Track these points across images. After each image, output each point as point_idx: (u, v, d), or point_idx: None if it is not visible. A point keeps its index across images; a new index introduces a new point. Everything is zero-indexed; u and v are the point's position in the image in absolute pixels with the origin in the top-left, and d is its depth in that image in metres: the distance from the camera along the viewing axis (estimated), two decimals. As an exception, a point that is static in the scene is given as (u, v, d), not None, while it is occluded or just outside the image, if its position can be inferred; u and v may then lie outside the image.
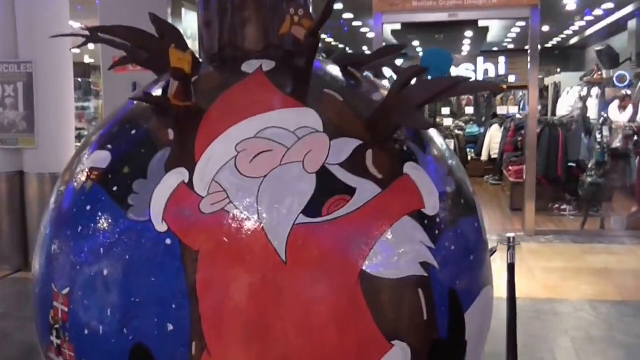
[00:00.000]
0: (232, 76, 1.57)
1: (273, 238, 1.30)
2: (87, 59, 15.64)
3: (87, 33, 1.69)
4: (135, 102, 1.61)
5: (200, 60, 1.70)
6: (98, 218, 1.41)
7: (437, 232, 1.45)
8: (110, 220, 1.39)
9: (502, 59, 14.85)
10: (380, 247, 1.35)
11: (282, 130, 1.41)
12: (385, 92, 1.64)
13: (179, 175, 1.37)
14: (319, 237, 1.32)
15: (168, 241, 1.32)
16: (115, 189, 1.42)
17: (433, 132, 1.70)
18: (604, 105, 9.78)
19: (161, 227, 1.33)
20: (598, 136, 7.81)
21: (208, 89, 1.54)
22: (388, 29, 9.71)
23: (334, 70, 1.70)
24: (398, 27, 10.02)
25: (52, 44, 3.90)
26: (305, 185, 1.35)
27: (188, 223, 1.32)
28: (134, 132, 1.51)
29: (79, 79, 12.31)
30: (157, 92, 1.61)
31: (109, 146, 1.52)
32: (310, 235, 1.31)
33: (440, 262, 1.43)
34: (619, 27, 12.49)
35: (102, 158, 1.50)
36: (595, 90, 10.61)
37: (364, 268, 1.33)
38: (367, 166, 1.42)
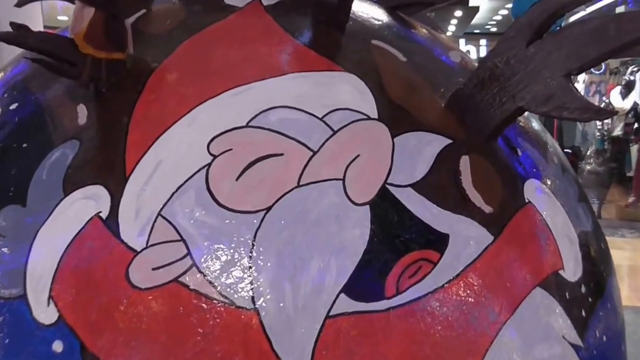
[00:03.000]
0: (208, 12, 0.84)
1: (284, 350, 0.61)
2: None
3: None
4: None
5: None
6: None
7: (583, 313, 0.77)
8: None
9: (483, 42, 14.61)
10: (494, 358, 0.66)
11: (300, 114, 0.71)
12: (462, 56, 0.94)
13: (90, 202, 0.66)
14: (382, 344, 0.63)
15: (57, 346, 0.62)
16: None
17: (534, 124, 1.00)
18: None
19: (45, 313, 0.63)
20: (599, 123, 7.53)
21: (161, 33, 0.82)
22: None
23: (378, 12, 0.97)
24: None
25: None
26: (352, 231, 0.65)
27: (102, 309, 0.62)
28: (14, 105, 0.79)
29: None
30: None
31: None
32: (361, 340, 0.62)
33: (594, 373, 0.75)
34: (603, 14, 11.88)
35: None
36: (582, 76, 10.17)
37: (466, 407, 0.64)
38: (464, 189, 0.73)
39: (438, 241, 0.68)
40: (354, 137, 0.71)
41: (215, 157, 0.67)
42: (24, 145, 0.73)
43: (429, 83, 0.82)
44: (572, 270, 0.77)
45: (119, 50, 0.74)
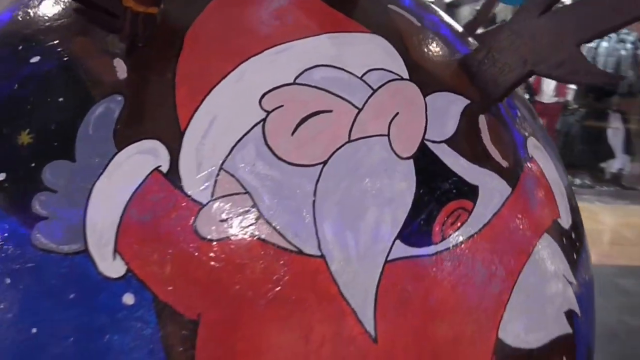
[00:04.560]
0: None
1: (350, 293, 0.65)
2: None
3: None
4: None
5: None
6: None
7: (574, 256, 0.88)
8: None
9: None
10: (519, 294, 0.75)
11: (341, 73, 0.74)
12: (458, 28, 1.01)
13: (147, 156, 0.66)
14: (432, 285, 0.69)
15: (128, 298, 0.62)
16: (1, 177, 0.68)
17: None
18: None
19: (112, 266, 0.63)
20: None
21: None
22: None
23: None
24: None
25: None
26: (400, 183, 0.70)
27: (173, 261, 0.63)
28: (35, 59, 0.75)
29: None
30: None
31: (-17, 85, 0.75)
32: (417, 281, 0.68)
33: (581, 307, 0.86)
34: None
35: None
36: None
37: (500, 336, 0.72)
38: (485, 145, 0.80)
39: (470, 192, 0.74)
40: (392, 96, 0.75)
41: (268, 112, 0.69)
42: (60, 99, 0.70)
43: (442, 48, 0.88)
44: (565, 218, 0.87)
45: (155, 5, 0.73)
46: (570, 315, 0.82)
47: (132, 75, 0.71)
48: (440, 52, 0.86)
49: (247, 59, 0.72)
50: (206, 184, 0.65)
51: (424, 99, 0.77)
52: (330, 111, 0.71)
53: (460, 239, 0.71)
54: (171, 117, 0.68)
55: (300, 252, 0.64)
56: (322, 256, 0.65)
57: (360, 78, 0.75)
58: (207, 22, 0.76)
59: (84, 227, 0.63)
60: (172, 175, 0.65)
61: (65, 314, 0.62)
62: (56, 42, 0.76)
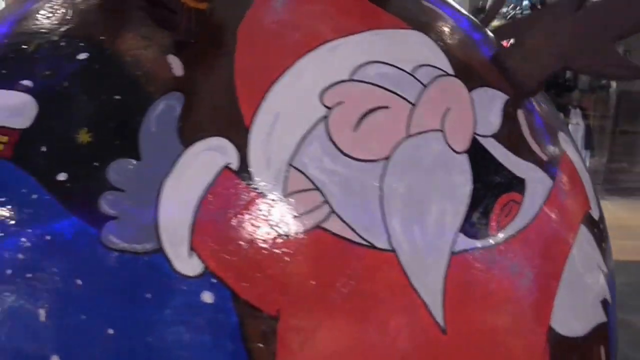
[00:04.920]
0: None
1: (420, 285, 0.66)
2: None
3: None
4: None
5: None
6: (15, 239, 0.65)
7: (603, 245, 0.91)
8: (49, 247, 0.64)
9: None
10: (565, 283, 0.78)
11: (393, 70, 0.75)
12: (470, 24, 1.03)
13: (215, 154, 0.66)
14: (492, 276, 0.71)
15: (207, 296, 0.62)
16: (61, 176, 0.66)
17: None
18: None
19: (188, 265, 0.62)
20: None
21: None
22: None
23: None
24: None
25: None
26: (458, 177, 0.72)
27: (249, 258, 0.63)
28: (82, 55, 0.73)
29: None
30: None
31: (27, 82, 0.73)
32: (479, 273, 0.70)
33: (611, 295, 0.90)
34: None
35: (14, 107, 0.72)
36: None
37: (552, 325, 0.75)
38: (526, 139, 0.82)
39: (519, 185, 0.77)
40: (442, 92, 0.77)
41: (330, 109, 0.69)
42: (117, 97, 0.69)
43: (472, 42, 0.90)
44: (595, 210, 0.91)
45: (205, 1, 0.73)
46: (605, 303, 0.85)
47: (189, 72, 0.70)
48: (472, 47, 0.89)
49: (303, 55, 0.72)
50: (277, 181, 0.65)
51: (470, 95, 0.79)
52: (388, 107, 0.72)
53: (514, 230, 0.73)
54: (234, 113, 0.68)
55: (372, 246, 0.65)
56: (393, 250, 0.66)
57: (411, 74, 0.76)
58: (258, 18, 0.75)
59: (156, 226, 0.63)
60: (243, 172, 0.65)
61: (142, 313, 0.61)
62: (102, 38, 0.74)
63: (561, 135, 0.91)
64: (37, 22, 0.80)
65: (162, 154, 0.65)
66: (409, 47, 0.79)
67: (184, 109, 0.67)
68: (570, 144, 0.93)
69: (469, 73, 0.82)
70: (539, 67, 0.85)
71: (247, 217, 0.64)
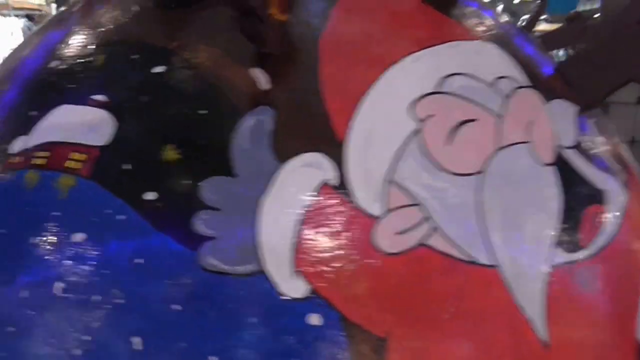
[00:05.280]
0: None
1: (523, 301, 0.65)
2: None
3: None
4: None
5: None
6: (103, 264, 0.62)
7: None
8: (143, 271, 0.61)
9: None
10: (647, 293, 0.77)
11: (475, 81, 0.74)
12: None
13: (313, 170, 0.63)
14: (586, 289, 0.70)
15: (314, 319, 0.59)
16: (149, 195, 0.63)
17: None
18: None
19: (293, 286, 0.60)
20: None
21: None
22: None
23: None
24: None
25: None
26: (548, 190, 0.71)
27: (356, 277, 0.61)
28: (159, 68, 0.70)
29: None
30: None
31: (99, 97, 0.70)
32: (576, 286, 0.69)
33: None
34: None
35: (89, 124, 0.68)
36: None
37: (638, 337, 0.74)
38: (601, 150, 0.82)
39: (601, 196, 0.76)
40: (522, 103, 0.75)
41: (421, 122, 0.68)
42: (202, 112, 0.66)
43: (531, 54, 0.89)
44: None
45: (286, 13, 0.71)
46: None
47: (275, 85, 0.67)
48: (534, 58, 0.88)
49: (388, 67, 0.71)
50: (377, 197, 0.63)
51: (546, 106, 0.78)
52: (476, 119, 0.70)
53: (602, 242, 0.72)
54: (327, 128, 0.65)
55: (475, 262, 0.63)
56: (495, 266, 0.64)
57: (492, 86, 0.75)
58: (339, 30, 0.73)
59: (257, 246, 0.60)
60: (342, 188, 0.62)
61: (248, 338, 0.58)
62: (177, 50, 0.71)
63: (622, 147, 0.91)
64: (100, 34, 0.77)
65: (257, 171, 0.62)
66: (486, 59, 0.78)
67: (275, 124, 0.65)
68: (629, 156, 0.93)
69: (541, 85, 0.81)
70: (605, 80, 0.85)
71: (349, 235, 0.61)
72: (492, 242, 0.65)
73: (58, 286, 0.62)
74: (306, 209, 0.61)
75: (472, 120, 0.70)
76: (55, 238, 0.64)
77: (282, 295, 0.59)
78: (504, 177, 0.68)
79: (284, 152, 0.64)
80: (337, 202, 0.62)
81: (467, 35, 0.80)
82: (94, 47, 0.75)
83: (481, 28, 0.83)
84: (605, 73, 0.85)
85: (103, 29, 0.77)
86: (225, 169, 0.63)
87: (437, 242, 0.63)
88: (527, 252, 0.66)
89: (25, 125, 0.72)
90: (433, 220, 0.63)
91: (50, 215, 0.64)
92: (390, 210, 0.63)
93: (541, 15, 1.18)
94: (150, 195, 0.62)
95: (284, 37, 0.70)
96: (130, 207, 0.62)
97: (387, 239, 0.62)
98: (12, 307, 0.63)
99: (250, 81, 0.68)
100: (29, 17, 6.29)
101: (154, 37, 0.74)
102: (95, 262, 0.61)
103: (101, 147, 0.66)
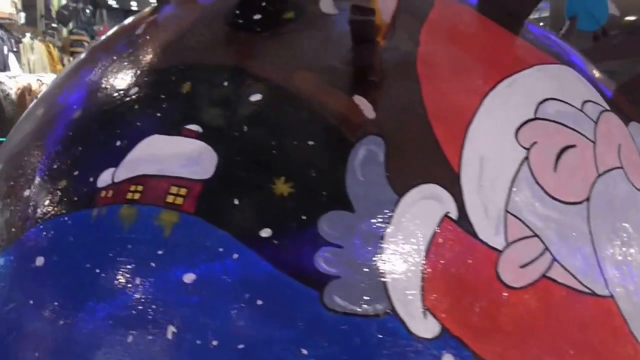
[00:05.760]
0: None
1: (637, 330, 0.64)
2: None
3: None
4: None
5: None
6: (219, 307, 0.59)
7: None
8: (264, 314, 0.58)
9: None
10: None
11: (566, 106, 0.74)
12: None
13: (432, 203, 0.62)
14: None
15: (448, 359, 0.57)
16: (264, 232, 0.60)
17: None
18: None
19: (425, 325, 0.58)
20: None
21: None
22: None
23: None
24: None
25: None
26: (645, 215, 0.71)
27: (485, 314, 0.59)
28: (256, 97, 0.68)
29: None
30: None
31: (193, 126, 0.67)
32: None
33: None
34: None
35: (187, 156, 0.65)
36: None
37: None
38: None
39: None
40: (609, 127, 0.76)
41: (528, 150, 0.67)
42: (310, 142, 0.64)
43: (594, 75, 0.90)
44: None
45: (387, 39, 0.69)
46: None
47: (380, 114, 0.66)
48: (597, 79, 0.88)
49: (487, 94, 0.70)
50: (498, 229, 0.62)
51: (627, 129, 0.78)
52: (575, 146, 0.70)
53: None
54: (439, 157, 0.64)
55: (593, 293, 0.63)
56: (611, 296, 0.64)
57: (582, 110, 0.74)
58: (431, 55, 0.72)
59: (384, 284, 0.58)
60: (463, 221, 0.61)
61: (382, 382, 0.56)
62: (272, 77, 0.69)
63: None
64: (176, 58, 0.74)
65: (376, 205, 0.60)
66: (570, 83, 0.78)
67: (387, 155, 0.63)
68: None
69: (617, 107, 0.82)
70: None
71: (475, 269, 0.60)
72: (606, 272, 0.64)
73: (170, 330, 0.58)
74: (430, 244, 0.60)
75: (572, 147, 0.70)
76: (163, 278, 0.60)
77: (413, 335, 0.57)
78: (607, 204, 0.68)
79: (399, 183, 0.62)
80: (460, 236, 0.61)
81: (546, 59, 0.80)
82: (174, 72, 0.72)
83: (552, 51, 0.83)
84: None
85: (181, 53, 0.74)
86: (341, 202, 0.60)
87: (557, 274, 0.62)
88: (636, 280, 0.66)
89: (112, 157, 0.68)
90: (551, 251, 0.62)
91: (155, 254, 0.61)
92: (511, 243, 0.61)
93: (572, 34, 1.19)
94: (265, 232, 0.59)
95: (382, 64, 0.68)
96: (244, 244, 0.59)
97: (511, 272, 0.60)
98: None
99: (355, 110, 0.66)
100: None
101: (242, 62, 0.71)
102: (209, 306, 0.58)
103: (204, 181, 0.63)
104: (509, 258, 0.61)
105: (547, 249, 0.62)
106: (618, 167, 0.72)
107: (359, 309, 0.57)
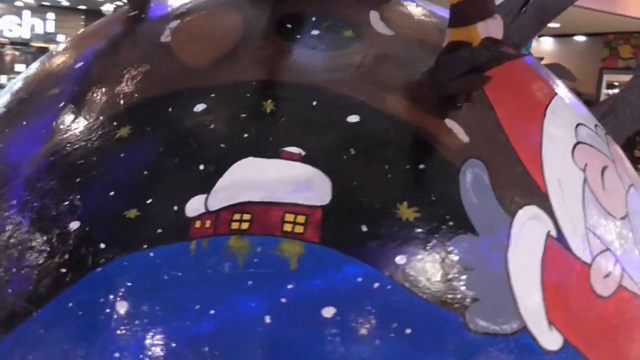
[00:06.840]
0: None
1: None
2: None
3: None
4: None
5: None
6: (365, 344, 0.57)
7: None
8: (412, 345, 0.57)
9: (51, 16, 13.10)
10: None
11: (590, 130, 0.83)
12: None
13: (537, 223, 0.66)
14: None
15: (572, 369, 0.62)
16: (400, 259, 0.59)
17: None
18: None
19: (551, 339, 0.61)
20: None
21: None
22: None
23: None
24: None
25: None
26: (656, 225, 0.83)
27: (593, 325, 0.65)
28: (353, 117, 0.66)
29: None
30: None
31: (295, 149, 0.63)
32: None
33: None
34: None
35: (296, 181, 0.61)
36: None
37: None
38: None
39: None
40: (615, 146, 0.86)
41: (583, 171, 0.74)
42: (421, 166, 0.64)
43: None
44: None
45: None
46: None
47: (475, 138, 0.68)
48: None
49: (542, 119, 0.76)
50: (584, 244, 0.68)
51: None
52: (607, 166, 0.79)
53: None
54: (529, 180, 0.68)
55: (647, 300, 0.72)
56: (660, 302, 0.73)
57: (596, 131, 0.84)
58: (494, 81, 0.76)
59: (514, 302, 0.60)
60: (560, 239, 0.66)
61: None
62: (362, 98, 0.67)
63: None
64: (252, 74, 0.69)
65: (495, 227, 0.63)
66: (580, 108, 0.87)
67: (491, 177, 0.66)
68: None
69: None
70: (625, 122, 1.00)
71: (576, 283, 0.65)
72: (651, 278, 0.74)
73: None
74: (543, 261, 0.63)
75: (607, 167, 0.79)
76: (299, 314, 0.56)
77: (543, 349, 0.60)
78: (635, 217, 0.78)
79: (507, 204, 0.65)
80: (562, 252, 0.65)
81: (554, 86, 0.89)
82: (250, 90, 0.67)
83: (554, 79, 0.92)
84: (628, 118, 1.01)
85: (249, 68, 0.69)
86: (466, 226, 0.62)
87: (628, 283, 0.70)
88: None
89: (196, 181, 0.61)
90: (620, 262, 0.70)
91: (284, 288, 0.56)
92: (595, 257, 0.68)
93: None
94: (401, 260, 0.58)
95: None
96: (381, 272, 0.58)
97: (600, 283, 0.67)
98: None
99: (451, 133, 0.67)
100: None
101: (325, 81, 0.68)
102: (354, 339, 0.56)
103: (323, 207, 0.59)
104: (596, 270, 0.67)
105: (617, 261, 0.70)
106: (632, 185, 0.82)
107: (500, 329, 0.59)
